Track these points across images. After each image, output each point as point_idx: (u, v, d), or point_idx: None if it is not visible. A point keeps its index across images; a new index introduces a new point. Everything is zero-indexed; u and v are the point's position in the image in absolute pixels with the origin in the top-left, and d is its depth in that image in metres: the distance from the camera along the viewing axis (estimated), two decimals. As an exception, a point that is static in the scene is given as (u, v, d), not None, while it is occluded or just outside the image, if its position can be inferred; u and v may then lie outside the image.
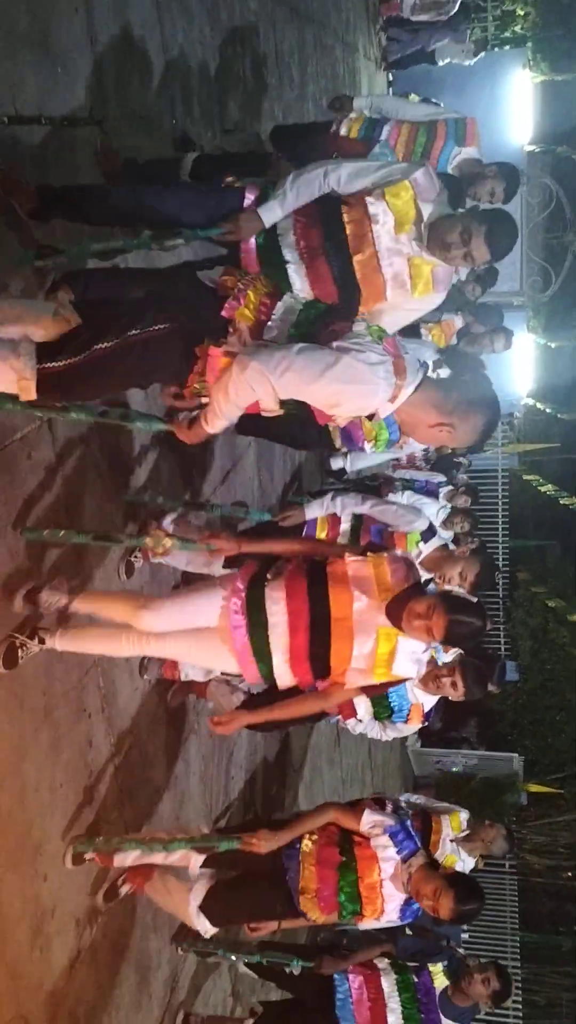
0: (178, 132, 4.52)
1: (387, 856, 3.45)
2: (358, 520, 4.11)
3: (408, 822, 3.59)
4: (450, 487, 6.17)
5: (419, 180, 3.09)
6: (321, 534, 4.09)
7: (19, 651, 2.95)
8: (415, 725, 4.17)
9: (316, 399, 2.54)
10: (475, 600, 3.83)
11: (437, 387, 2.65)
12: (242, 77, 5.69)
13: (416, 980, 4.02)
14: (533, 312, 13.37)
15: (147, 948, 4.02)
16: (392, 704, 3.94)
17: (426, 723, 4.14)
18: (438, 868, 3.48)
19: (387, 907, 3.47)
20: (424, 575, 4.01)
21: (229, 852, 3.45)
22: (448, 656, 4.39)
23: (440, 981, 4.01)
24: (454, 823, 4.53)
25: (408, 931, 4.57)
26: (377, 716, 4.08)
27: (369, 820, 3.53)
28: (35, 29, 3.16)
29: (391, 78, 12.53)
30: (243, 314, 2.56)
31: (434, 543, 4.29)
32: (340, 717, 4.28)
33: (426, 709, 3.99)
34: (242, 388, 2.48)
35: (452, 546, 5.07)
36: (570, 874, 14.12)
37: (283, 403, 2.58)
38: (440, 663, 3.99)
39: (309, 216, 3.12)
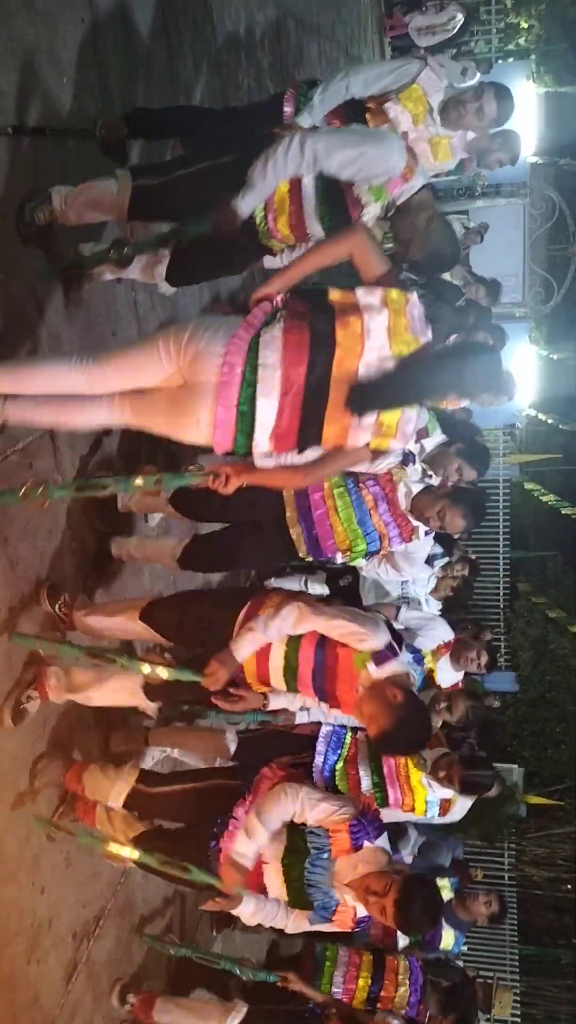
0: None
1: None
2: (293, 645, 3.02)
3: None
4: (446, 559, 5.09)
5: (424, 79, 3.63)
6: (250, 669, 3.08)
7: None
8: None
9: (345, 160, 2.96)
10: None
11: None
12: (246, 87, 5.71)
13: None
14: (535, 324, 13.37)
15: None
16: (314, 900, 3.11)
17: (357, 929, 3.28)
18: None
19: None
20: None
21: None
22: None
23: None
24: None
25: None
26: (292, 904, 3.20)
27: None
28: (41, 39, 3.17)
29: None
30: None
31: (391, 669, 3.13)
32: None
33: (359, 915, 3.14)
34: (285, 154, 2.92)
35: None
36: (570, 886, 14.05)
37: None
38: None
39: (339, 117, 3.59)
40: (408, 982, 4.03)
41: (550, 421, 13.47)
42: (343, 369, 2.51)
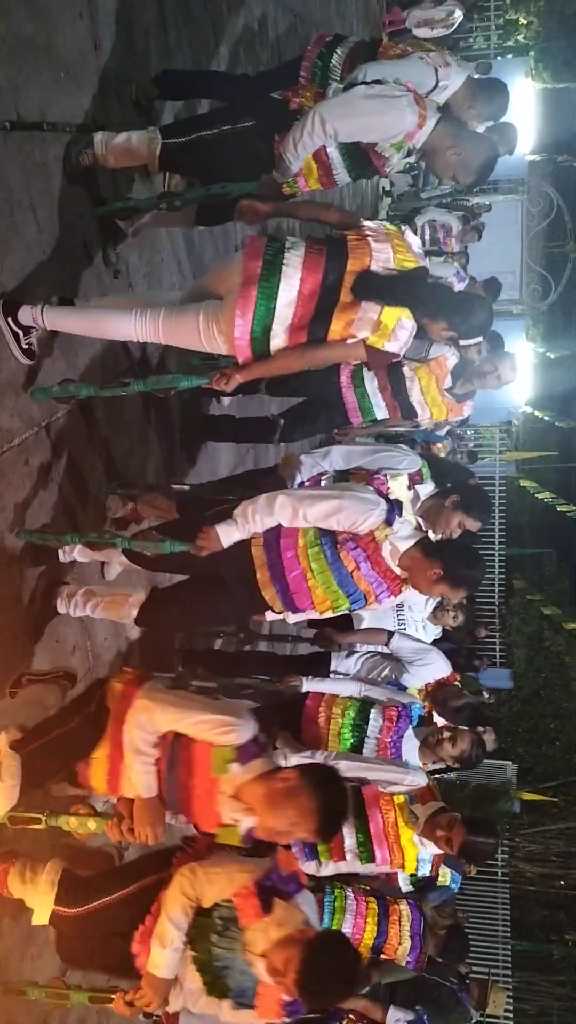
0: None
1: None
2: None
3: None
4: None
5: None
6: (99, 782, 2.83)
7: None
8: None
9: (363, 128, 3.24)
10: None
11: (453, 122, 3.37)
12: (245, 83, 5.69)
13: None
14: (532, 321, 13.40)
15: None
16: (230, 983, 2.62)
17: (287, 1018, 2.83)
18: None
19: None
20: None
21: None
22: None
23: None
24: None
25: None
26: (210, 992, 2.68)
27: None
28: (39, 34, 3.16)
29: None
30: (305, 97, 3.47)
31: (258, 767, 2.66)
32: None
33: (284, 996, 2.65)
34: (309, 134, 3.20)
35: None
36: (562, 883, 14.11)
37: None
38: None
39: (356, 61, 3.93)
40: (409, 935, 4.10)
41: (546, 418, 13.51)
42: (354, 272, 2.95)
